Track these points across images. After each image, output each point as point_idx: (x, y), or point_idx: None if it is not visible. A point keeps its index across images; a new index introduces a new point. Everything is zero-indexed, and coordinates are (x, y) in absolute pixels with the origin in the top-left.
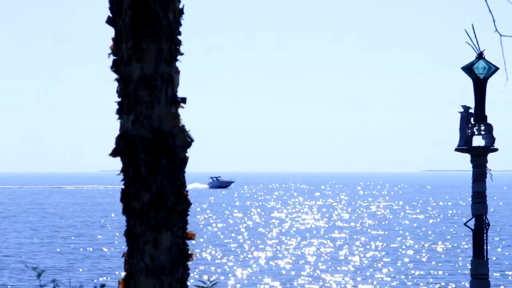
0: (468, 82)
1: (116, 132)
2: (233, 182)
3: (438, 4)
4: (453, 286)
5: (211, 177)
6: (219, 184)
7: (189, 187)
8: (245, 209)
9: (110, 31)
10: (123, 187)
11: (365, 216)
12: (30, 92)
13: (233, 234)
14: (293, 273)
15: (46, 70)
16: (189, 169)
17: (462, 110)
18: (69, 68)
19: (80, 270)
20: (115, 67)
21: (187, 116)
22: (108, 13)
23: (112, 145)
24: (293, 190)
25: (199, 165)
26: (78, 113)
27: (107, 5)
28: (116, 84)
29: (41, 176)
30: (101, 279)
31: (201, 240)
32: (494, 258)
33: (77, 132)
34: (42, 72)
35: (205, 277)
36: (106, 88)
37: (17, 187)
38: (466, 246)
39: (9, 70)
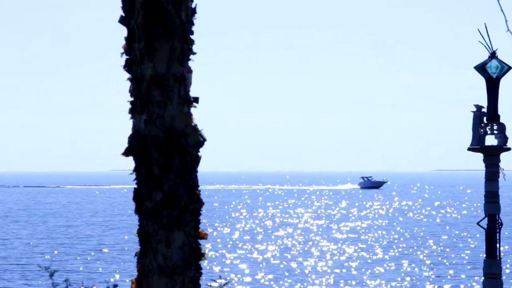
0: (481, 81)
1: (129, 131)
2: (386, 182)
3: (446, 3)
4: (466, 285)
5: (362, 177)
6: (371, 184)
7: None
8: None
9: (114, 31)
10: (135, 186)
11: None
12: (40, 91)
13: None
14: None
15: (52, 69)
16: (201, 169)
17: (474, 109)
18: (76, 67)
19: (93, 270)
20: (127, 66)
21: (198, 116)
22: (110, 13)
23: (124, 145)
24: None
25: (206, 165)
26: (90, 113)
27: (109, 5)
28: (128, 83)
29: (52, 175)
30: (112, 279)
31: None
32: (506, 257)
33: (88, 131)
34: (48, 70)
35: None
36: (118, 88)
37: (28, 186)
38: (479, 246)
39: (18, 68)
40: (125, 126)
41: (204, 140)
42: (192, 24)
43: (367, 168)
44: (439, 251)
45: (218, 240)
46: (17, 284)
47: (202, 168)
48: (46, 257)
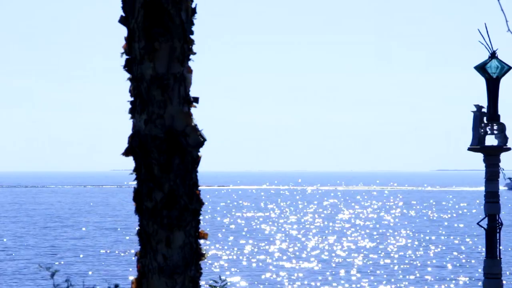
0: (481, 81)
1: (129, 131)
2: None
3: (451, 4)
4: (466, 285)
5: (510, 178)
6: None
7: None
8: None
9: (120, 30)
10: (135, 186)
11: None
12: (42, 90)
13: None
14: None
15: (51, 69)
16: (201, 169)
17: (475, 109)
18: (76, 67)
19: (93, 270)
20: (127, 66)
21: (202, 116)
22: (118, 12)
23: (124, 144)
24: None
25: (211, 165)
26: (90, 112)
27: (119, 4)
28: (128, 83)
29: (53, 175)
30: (112, 279)
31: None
32: (506, 257)
33: (89, 131)
34: (48, 70)
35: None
36: (119, 87)
37: (28, 187)
38: (479, 246)
39: (18, 68)
40: (125, 126)
41: (204, 140)
42: (192, 24)
43: (367, 168)
44: (439, 250)
45: (219, 241)
46: (18, 285)
47: (203, 168)
48: (46, 257)
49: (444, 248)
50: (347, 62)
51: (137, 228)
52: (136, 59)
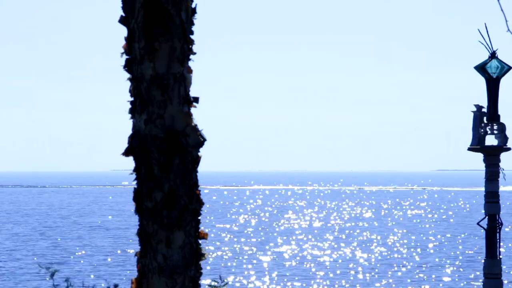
0: (481, 81)
1: (129, 131)
2: None
3: (451, 4)
4: (466, 285)
5: None
6: None
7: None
8: None
9: (120, 30)
10: (135, 186)
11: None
12: (42, 90)
13: None
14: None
15: (51, 69)
16: (201, 169)
17: (475, 109)
18: (76, 67)
19: (93, 270)
20: (127, 66)
21: (202, 116)
22: (118, 12)
23: (124, 144)
24: None
25: (211, 165)
26: (90, 112)
27: (119, 4)
28: (128, 83)
29: (53, 175)
30: (112, 279)
31: None
32: (506, 257)
33: (89, 131)
34: (48, 70)
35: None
36: (119, 87)
37: (28, 187)
38: (478, 246)
39: (18, 68)
40: (125, 126)
41: (204, 140)
42: (192, 24)
43: (367, 168)
44: (439, 250)
45: (224, 239)
46: (18, 285)
47: (203, 168)
48: (46, 257)
49: (444, 248)
50: (347, 62)
51: (137, 228)
52: (136, 59)
